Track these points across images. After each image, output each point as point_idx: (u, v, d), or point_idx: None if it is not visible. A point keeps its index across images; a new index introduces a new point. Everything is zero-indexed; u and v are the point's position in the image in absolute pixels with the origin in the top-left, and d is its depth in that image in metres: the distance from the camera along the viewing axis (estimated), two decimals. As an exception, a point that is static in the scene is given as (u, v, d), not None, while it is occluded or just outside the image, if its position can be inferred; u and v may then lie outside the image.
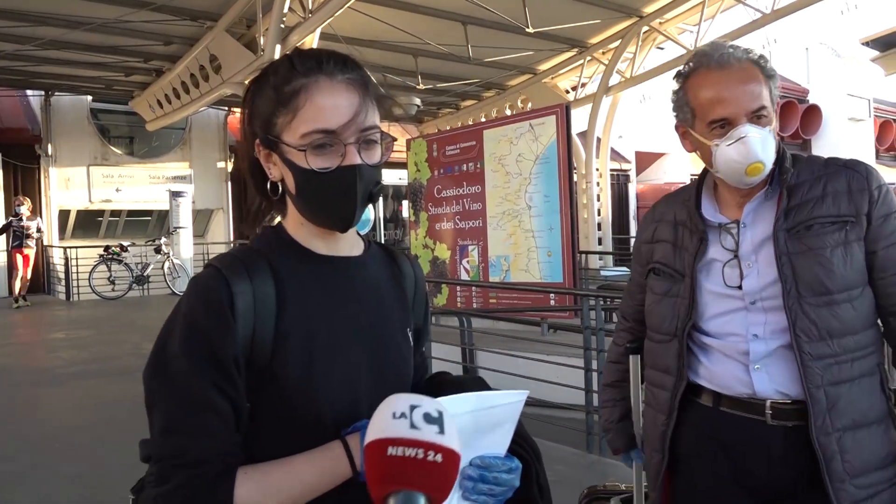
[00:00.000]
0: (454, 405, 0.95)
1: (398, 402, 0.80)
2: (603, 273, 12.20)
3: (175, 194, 14.58)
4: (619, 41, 13.09)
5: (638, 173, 20.62)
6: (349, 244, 1.15)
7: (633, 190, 20.19)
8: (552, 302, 7.23)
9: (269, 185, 1.10)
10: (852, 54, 22.53)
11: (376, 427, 0.79)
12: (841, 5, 11.61)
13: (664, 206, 1.73)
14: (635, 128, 18.83)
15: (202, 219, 16.64)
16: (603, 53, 13.64)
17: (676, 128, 1.62)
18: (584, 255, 12.99)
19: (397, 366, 1.13)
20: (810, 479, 1.46)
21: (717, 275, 1.55)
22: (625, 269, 14.58)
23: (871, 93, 23.83)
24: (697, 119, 1.53)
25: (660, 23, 12.66)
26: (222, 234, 16.53)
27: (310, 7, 9.27)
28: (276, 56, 9.43)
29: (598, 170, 14.43)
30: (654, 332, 1.67)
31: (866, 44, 14.02)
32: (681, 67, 1.58)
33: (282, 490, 0.97)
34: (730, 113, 1.47)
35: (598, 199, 14.43)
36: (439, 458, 0.76)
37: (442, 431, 0.78)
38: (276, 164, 1.08)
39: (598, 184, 14.43)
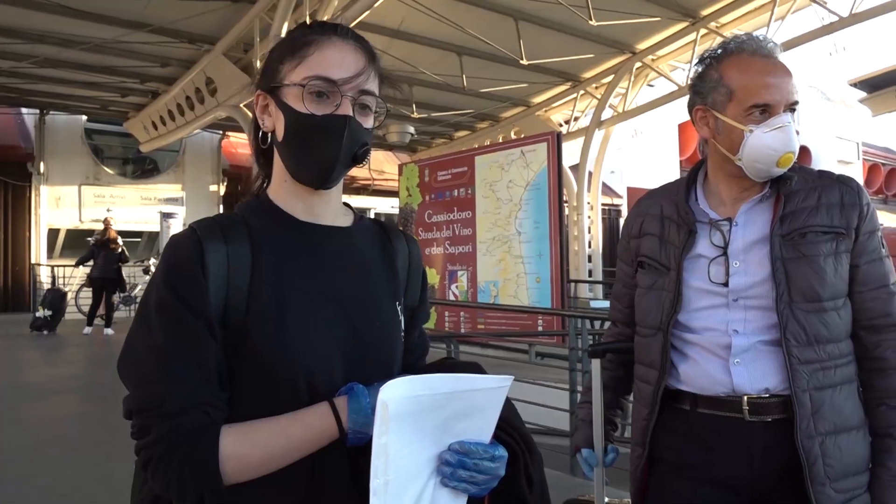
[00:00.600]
0: (430, 384, 0.93)
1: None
2: (593, 304, 12.19)
3: (166, 216, 14.56)
4: (612, 76, 13.26)
5: (629, 209, 20.74)
6: (332, 211, 1.14)
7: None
8: (540, 327, 7.21)
9: (260, 136, 1.11)
10: (841, 97, 22.91)
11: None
12: (830, 47, 11.81)
13: (649, 200, 1.73)
14: (627, 163, 19.00)
15: (193, 241, 16.60)
16: (596, 88, 13.81)
17: (695, 110, 1.60)
18: (573, 284, 12.99)
19: (380, 334, 1.11)
20: (790, 481, 1.45)
21: (703, 270, 1.55)
22: (614, 302, 14.57)
23: (860, 136, 24.19)
24: (734, 101, 1.52)
25: (652, 59, 12.84)
26: (213, 258, 16.49)
27: (307, 32, 9.38)
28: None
29: (589, 203, 14.50)
30: (640, 326, 1.66)
31: (854, 85, 14.28)
32: (712, 50, 1.58)
33: (268, 444, 0.96)
34: (775, 100, 1.48)
35: (589, 232, 14.48)
36: None
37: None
38: (271, 114, 1.09)
39: (589, 216, 14.49)
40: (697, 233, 1.58)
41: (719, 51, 1.57)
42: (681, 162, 21.75)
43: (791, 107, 1.49)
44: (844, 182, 1.55)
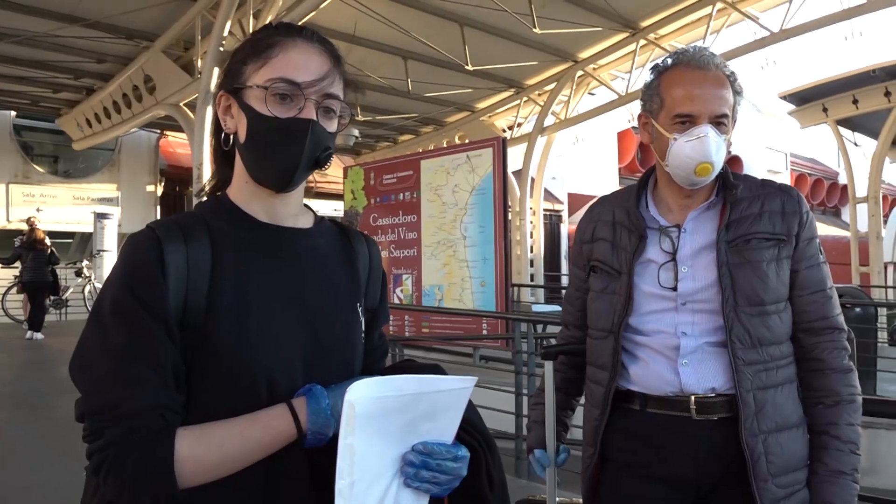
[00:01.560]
0: (396, 385, 0.94)
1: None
2: (535, 308, 12.33)
3: (100, 216, 14.10)
4: (554, 84, 13.48)
5: (570, 214, 21.07)
6: (292, 213, 1.13)
7: (564, 230, 20.59)
8: (485, 331, 7.26)
9: (222, 137, 1.10)
10: (771, 109, 23.82)
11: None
12: (761, 61, 12.27)
13: (601, 206, 1.77)
14: (569, 170, 19.31)
15: (128, 243, 16.11)
16: (539, 95, 14.01)
17: (639, 116, 1.68)
18: (516, 289, 13.12)
19: (340, 336, 1.11)
20: (734, 477, 1.51)
21: (653, 275, 1.60)
22: (556, 306, 14.81)
23: (788, 147, 25.21)
24: (664, 110, 1.58)
25: (594, 68, 13.11)
26: (149, 260, 16.03)
27: (250, 31, 9.24)
28: (214, 80, 9.39)
29: (531, 208, 14.69)
30: (592, 328, 1.71)
31: (784, 98, 14.86)
32: (659, 60, 1.65)
33: (224, 446, 0.94)
34: (696, 110, 1.53)
35: (531, 237, 14.66)
36: None
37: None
38: (233, 116, 1.08)
39: (531, 221, 14.68)
40: (647, 238, 1.63)
41: (662, 62, 1.64)
42: (620, 169, 22.25)
43: (717, 119, 1.53)
44: (786, 191, 1.62)
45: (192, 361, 0.99)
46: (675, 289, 1.58)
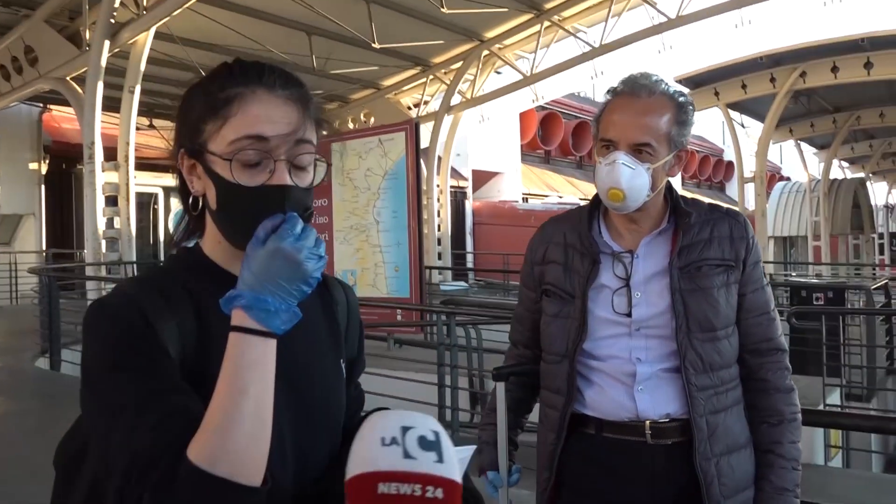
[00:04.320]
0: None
1: (387, 423, 0.68)
2: (443, 287, 12.44)
3: (-23, 197, 13.05)
4: (460, 62, 13.49)
5: (474, 191, 21.28)
6: None
7: (469, 207, 20.80)
8: (399, 317, 7.24)
9: (190, 201, 1.00)
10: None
11: (362, 456, 0.66)
12: (658, 45, 12.70)
13: (552, 227, 1.76)
14: (473, 147, 19.45)
15: (9, 225, 14.98)
16: (445, 73, 14.00)
17: (592, 138, 1.69)
18: (427, 271, 13.17)
19: (325, 399, 1.06)
20: (687, 500, 1.55)
21: (607, 300, 1.61)
22: (463, 283, 14.99)
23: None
24: (598, 135, 1.61)
25: (499, 48, 13.20)
26: (33, 243, 14.99)
27: (144, 4, 8.71)
28: (105, 54, 8.83)
29: (438, 186, 14.73)
30: (546, 353, 1.71)
31: (679, 82, 15.46)
32: (613, 85, 1.65)
33: (218, 415, 0.83)
34: (613, 136, 1.55)
35: (439, 216, 14.72)
36: (440, 493, 0.64)
37: (441, 459, 0.65)
38: (199, 177, 0.98)
39: (438, 200, 14.72)
40: (601, 263, 1.64)
41: (611, 89, 1.65)
42: (522, 146, 22.62)
43: (636, 146, 1.53)
44: (733, 216, 1.67)
45: None
46: (629, 314, 1.60)
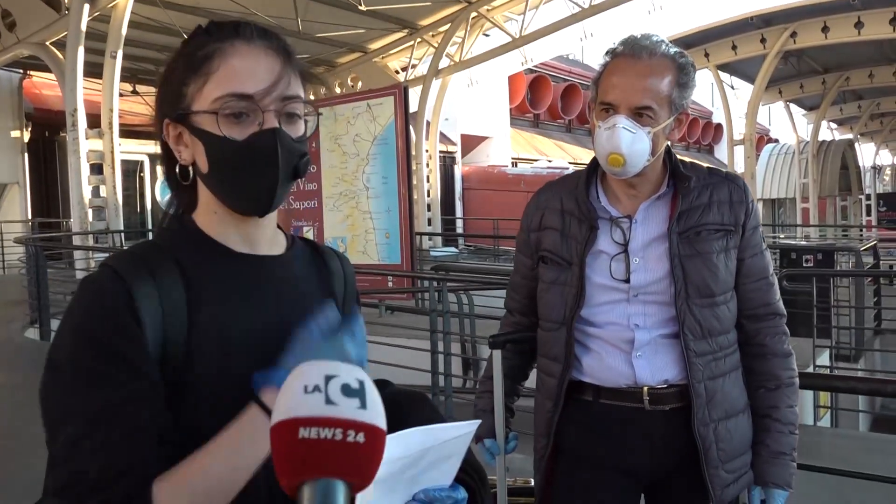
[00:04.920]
0: (407, 443, 0.89)
1: (311, 372, 0.68)
2: (433, 253, 12.44)
3: (-42, 166, 12.85)
4: (448, 25, 13.30)
5: (463, 155, 21.15)
6: (269, 239, 1.03)
7: (458, 171, 20.69)
8: (390, 284, 7.23)
9: (178, 170, 0.96)
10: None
11: (284, 404, 0.67)
12: (648, 5, 12.57)
13: (548, 193, 1.73)
14: (461, 111, 19.28)
15: (-8, 194, 14.83)
16: (433, 36, 13.80)
17: (588, 104, 1.65)
18: (418, 237, 13.16)
19: None
20: (686, 464, 1.56)
21: (605, 266, 1.60)
22: (452, 249, 14.99)
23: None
24: (597, 98, 1.57)
25: (487, 10, 13.00)
26: (17, 212, 14.81)
27: (125, -36, 8.50)
28: (84, 17, 8.63)
29: (427, 151, 14.63)
30: (543, 320, 1.69)
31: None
32: (612, 45, 1.60)
33: (207, 478, 0.83)
34: (613, 99, 1.51)
35: (428, 181, 14.65)
36: (361, 437, 0.65)
37: (364, 406, 0.66)
38: (187, 145, 0.95)
39: (427, 165, 14.63)
40: (599, 229, 1.62)
41: (610, 49, 1.60)
42: (511, 110, 22.45)
43: (637, 110, 1.50)
44: (732, 180, 1.64)
45: (174, 411, 0.89)
46: (627, 280, 1.59)
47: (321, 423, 0.64)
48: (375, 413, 0.67)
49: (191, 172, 0.96)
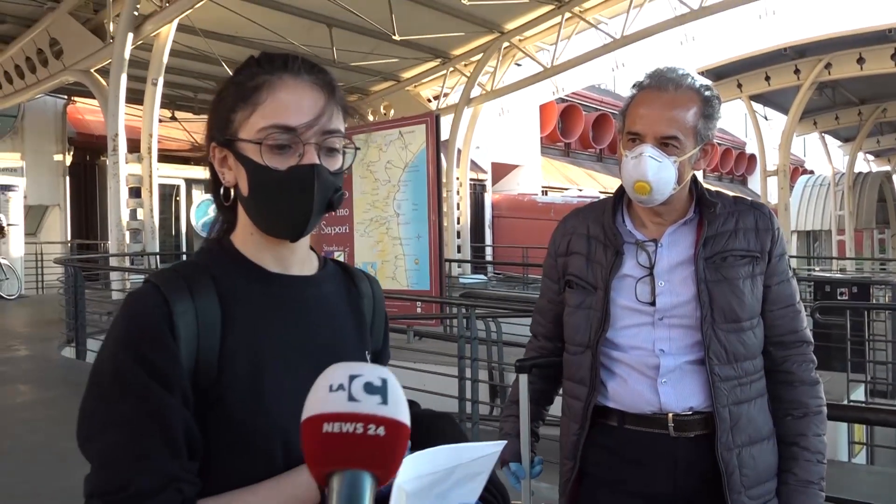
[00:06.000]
0: (436, 460, 0.92)
1: (336, 372, 0.73)
2: (462, 280, 12.45)
3: (4, 188, 13.23)
4: (480, 55, 13.45)
5: (493, 183, 21.24)
6: (301, 260, 1.08)
7: (488, 199, 20.76)
8: (419, 310, 7.27)
9: (222, 192, 1.03)
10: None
11: (312, 402, 0.72)
12: (680, 37, 12.58)
13: (575, 219, 1.77)
14: (492, 140, 19.40)
15: (35, 215, 15.21)
16: (465, 66, 13.96)
17: (616, 133, 1.69)
18: (447, 263, 13.22)
19: None
20: (709, 490, 1.56)
21: (630, 290, 1.62)
22: (482, 276, 14.99)
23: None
24: (624, 128, 1.61)
25: (519, 40, 13.14)
26: (58, 234, 15.21)
27: (168, -5, 8.78)
28: (128, 46, 8.92)
29: (458, 179, 14.72)
30: (569, 343, 1.71)
31: (702, 73, 15.32)
32: (640, 79, 1.64)
33: None
34: (640, 129, 1.56)
35: (458, 209, 14.72)
36: (381, 431, 0.69)
37: (385, 401, 0.71)
38: (231, 168, 1.01)
39: (458, 193, 14.71)
40: (625, 254, 1.64)
41: (638, 81, 1.65)
42: (541, 139, 22.52)
43: (663, 140, 1.54)
44: (758, 208, 1.66)
45: (204, 426, 0.93)
46: (652, 303, 1.60)
47: (343, 418, 0.69)
48: (397, 408, 0.71)
49: (232, 194, 1.02)
